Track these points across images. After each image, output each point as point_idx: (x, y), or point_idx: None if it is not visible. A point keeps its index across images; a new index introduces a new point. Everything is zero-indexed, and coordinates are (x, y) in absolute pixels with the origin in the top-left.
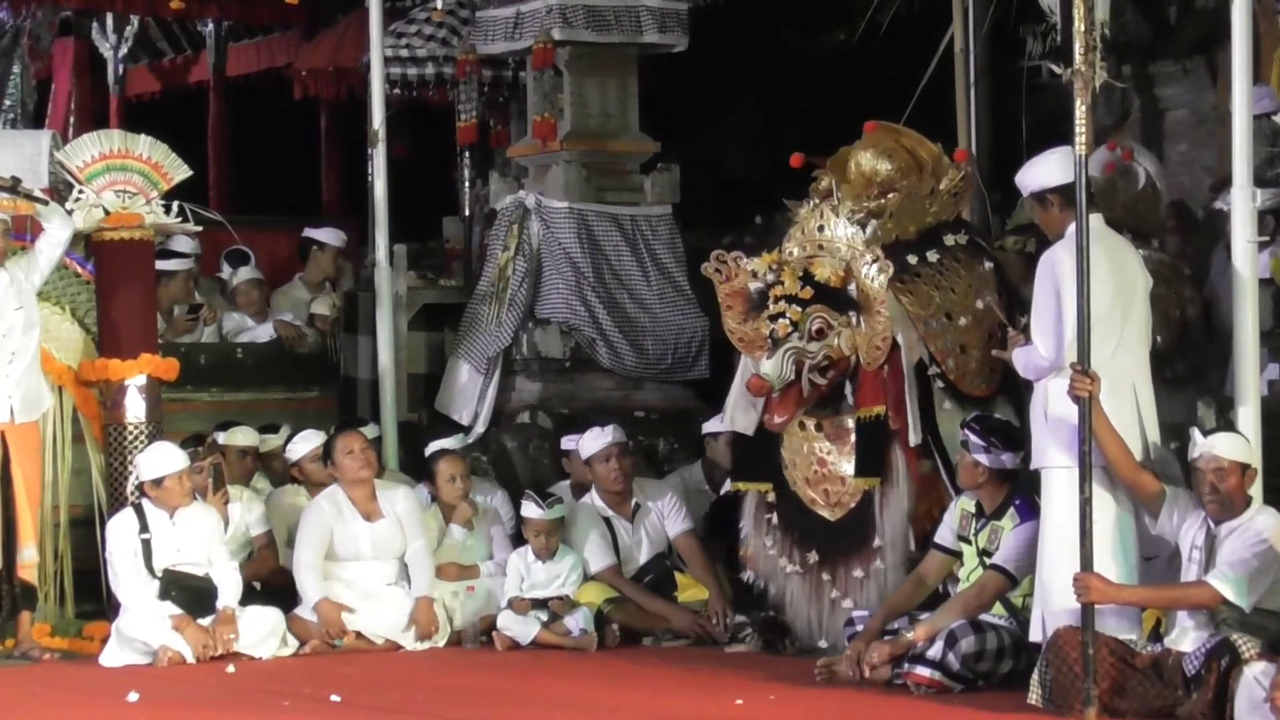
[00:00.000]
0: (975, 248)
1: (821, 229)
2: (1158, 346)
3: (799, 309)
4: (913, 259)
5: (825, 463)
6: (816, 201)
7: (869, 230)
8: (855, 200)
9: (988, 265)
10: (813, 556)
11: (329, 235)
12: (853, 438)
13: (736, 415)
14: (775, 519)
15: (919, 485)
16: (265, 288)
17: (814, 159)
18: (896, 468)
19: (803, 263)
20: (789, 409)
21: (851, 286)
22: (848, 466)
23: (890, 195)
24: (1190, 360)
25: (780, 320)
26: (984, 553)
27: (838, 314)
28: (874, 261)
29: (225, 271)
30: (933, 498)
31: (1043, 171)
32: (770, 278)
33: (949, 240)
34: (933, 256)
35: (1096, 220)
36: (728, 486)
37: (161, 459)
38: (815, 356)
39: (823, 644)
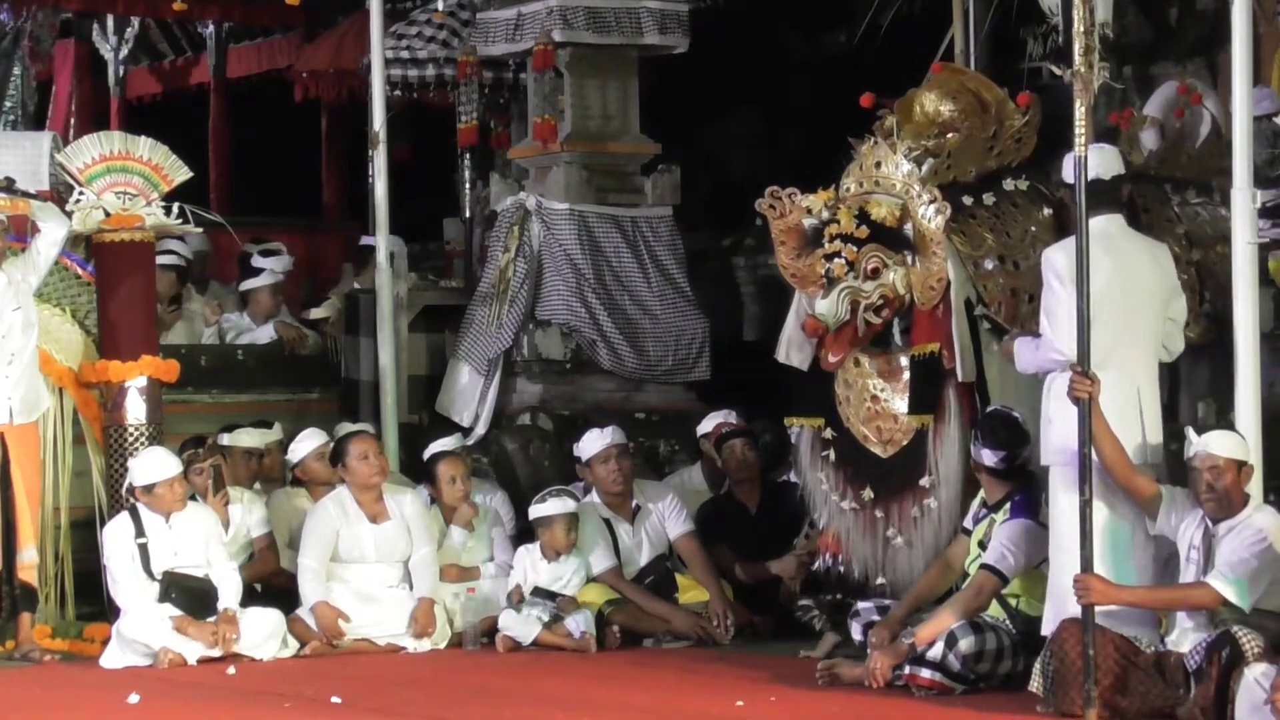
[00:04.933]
0: (1036, 193)
1: (879, 165)
2: (1219, 313)
3: (854, 248)
4: (968, 200)
5: (878, 399)
6: (877, 139)
7: (925, 168)
8: (915, 139)
9: (1047, 212)
10: (867, 494)
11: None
12: (906, 375)
13: (791, 351)
14: (832, 455)
15: (970, 427)
16: (282, 295)
17: (884, 100)
18: (949, 406)
19: (859, 201)
20: (843, 347)
21: (908, 226)
22: (900, 404)
23: (950, 135)
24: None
25: (836, 260)
26: (981, 545)
27: (893, 253)
28: (931, 202)
29: (256, 260)
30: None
31: (1069, 167)
32: (825, 215)
33: (1008, 185)
34: (989, 199)
35: (1115, 221)
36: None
37: (153, 465)
38: (870, 295)
39: (880, 581)
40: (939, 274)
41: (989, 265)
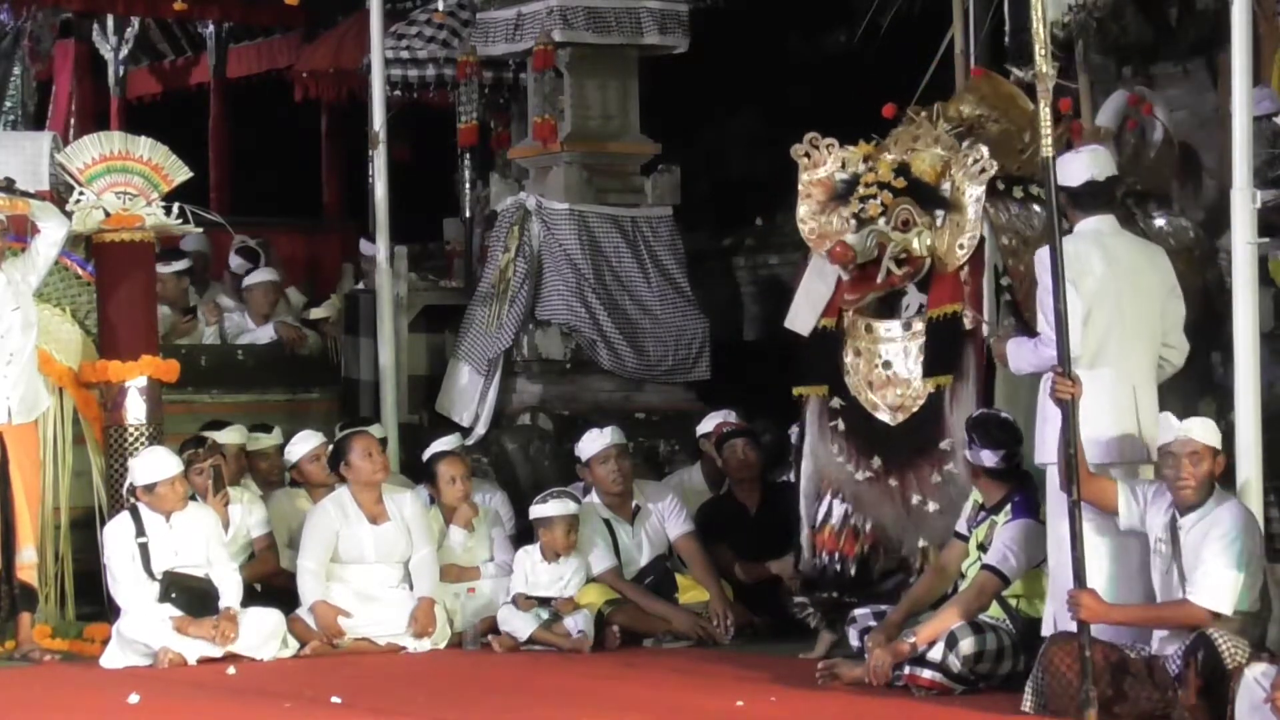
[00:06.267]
0: None
1: (917, 138)
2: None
3: (890, 195)
4: (1000, 185)
5: (890, 365)
6: (914, 117)
7: (965, 145)
8: (955, 126)
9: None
10: (876, 462)
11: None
12: (923, 340)
13: (798, 318)
14: (840, 424)
15: (987, 388)
16: (280, 290)
17: (905, 109)
18: (968, 366)
19: (900, 155)
20: (862, 289)
21: (945, 185)
22: (915, 369)
23: (991, 124)
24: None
25: (871, 201)
26: (981, 547)
27: (924, 213)
28: (976, 161)
29: (234, 264)
30: None
31: (1063, 169)
32: (862, 168)
33: (1033, 190)
34: (1017, 193)
35: (1107, 221)
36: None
37: (154, 465)
38: (896, 246)
39: (922, 543)
40: (970, 234)
41: (1015, 241)
